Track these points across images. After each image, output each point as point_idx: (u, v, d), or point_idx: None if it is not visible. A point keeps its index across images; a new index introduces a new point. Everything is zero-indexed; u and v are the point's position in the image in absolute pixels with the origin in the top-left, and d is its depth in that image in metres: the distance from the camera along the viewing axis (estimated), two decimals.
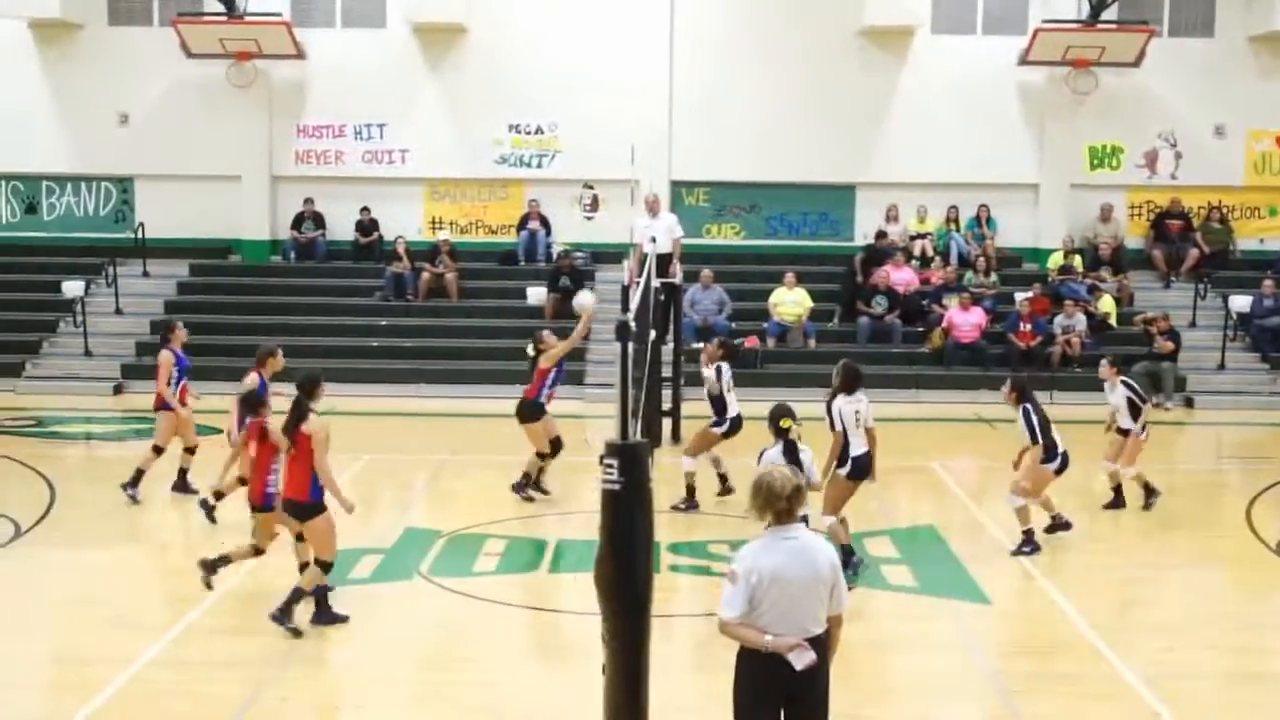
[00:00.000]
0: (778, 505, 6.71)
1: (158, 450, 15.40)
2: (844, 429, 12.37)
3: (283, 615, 10.62)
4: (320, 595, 11.07)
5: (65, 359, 24.83)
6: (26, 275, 26.92)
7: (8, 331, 25.35)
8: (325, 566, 10.95)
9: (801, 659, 6.58)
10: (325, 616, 11.01)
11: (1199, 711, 9.50)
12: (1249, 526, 14.62)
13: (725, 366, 15.21)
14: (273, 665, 10.07)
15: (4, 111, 27.18)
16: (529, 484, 15.36)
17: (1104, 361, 15.80)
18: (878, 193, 27.33)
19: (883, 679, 10.26)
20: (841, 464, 12.46)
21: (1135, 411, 15.19)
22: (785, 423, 11.26)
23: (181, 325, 16.07)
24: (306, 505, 10.87)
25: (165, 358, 15.52)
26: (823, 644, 6.77)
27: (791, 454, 11.05)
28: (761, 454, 11.24)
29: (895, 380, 23.74)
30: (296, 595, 10.75)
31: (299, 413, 10.87)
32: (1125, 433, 15.34)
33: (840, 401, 12.46)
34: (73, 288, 25.79)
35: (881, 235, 26.42)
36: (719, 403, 15.13)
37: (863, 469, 12.54)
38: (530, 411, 15.30)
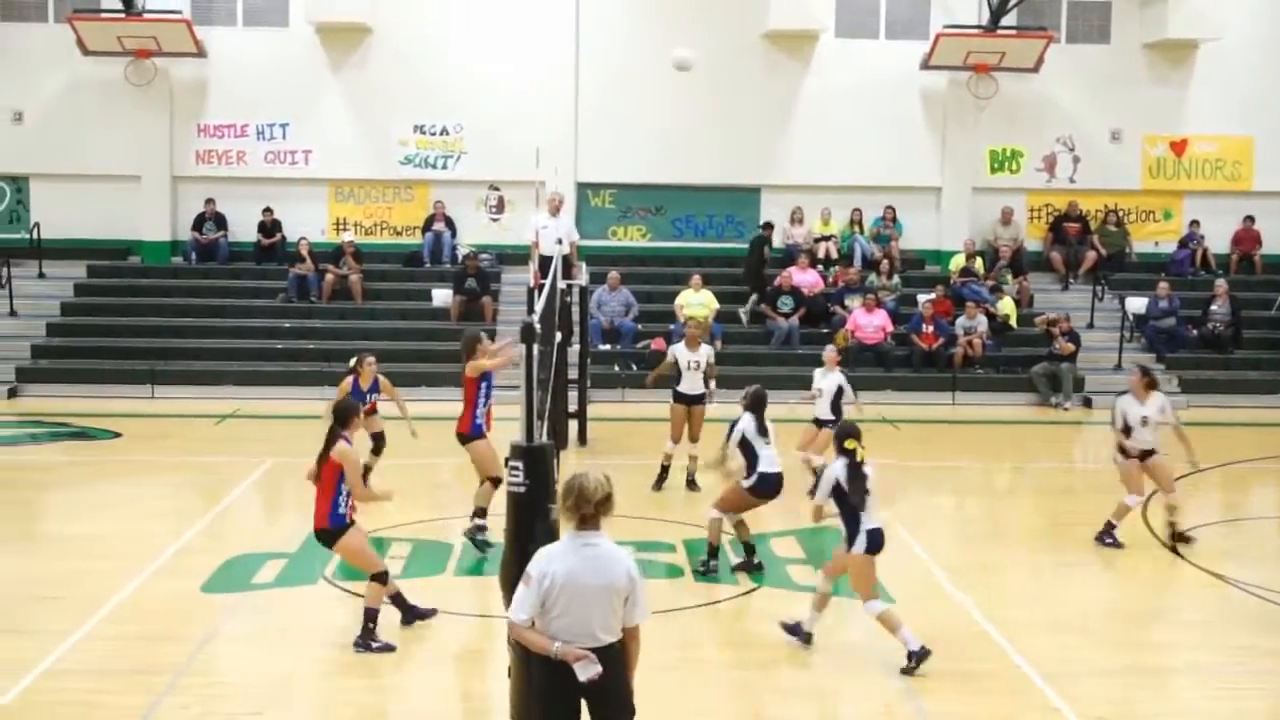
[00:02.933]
0: (584, 509, 6.64)
1: None
2: (751, 445, 12.52)
3: (365, 639, 10.49)
4: (397, 601, 10.99)
5: None
6: None
7: None
8: (381, 579, 10.75)
9: (586, 670, 6.53)
10: (412, 614, 11.06)
11: (1097, 707, 9.66)
12: (1144, 523, 14.88)
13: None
14: (172, 673, 9.92)
15: None
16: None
17: (1134, 370, 14.93)
18: (782, 195, 27.52)
19: (787, 678, 10.32)
20: (749, 475, 12.54)
21: None
22: (850, 444, 10.60)
23: None
24: (330, 531, 10.66)
25: None
26: (615, 653, 6.69)
27: (856, 474, 10.48)
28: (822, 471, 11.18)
29: (798, 382, 23.87)
30: (369, 615, 10.58)
31: (332, 440, 10.62)
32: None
33: (745, 421, 12.64)
34: None
35: (768, 226, 26.52)
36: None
37: (771, 487, 12.67)
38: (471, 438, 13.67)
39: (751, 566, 12.89)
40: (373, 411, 16.07)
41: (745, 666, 10.43)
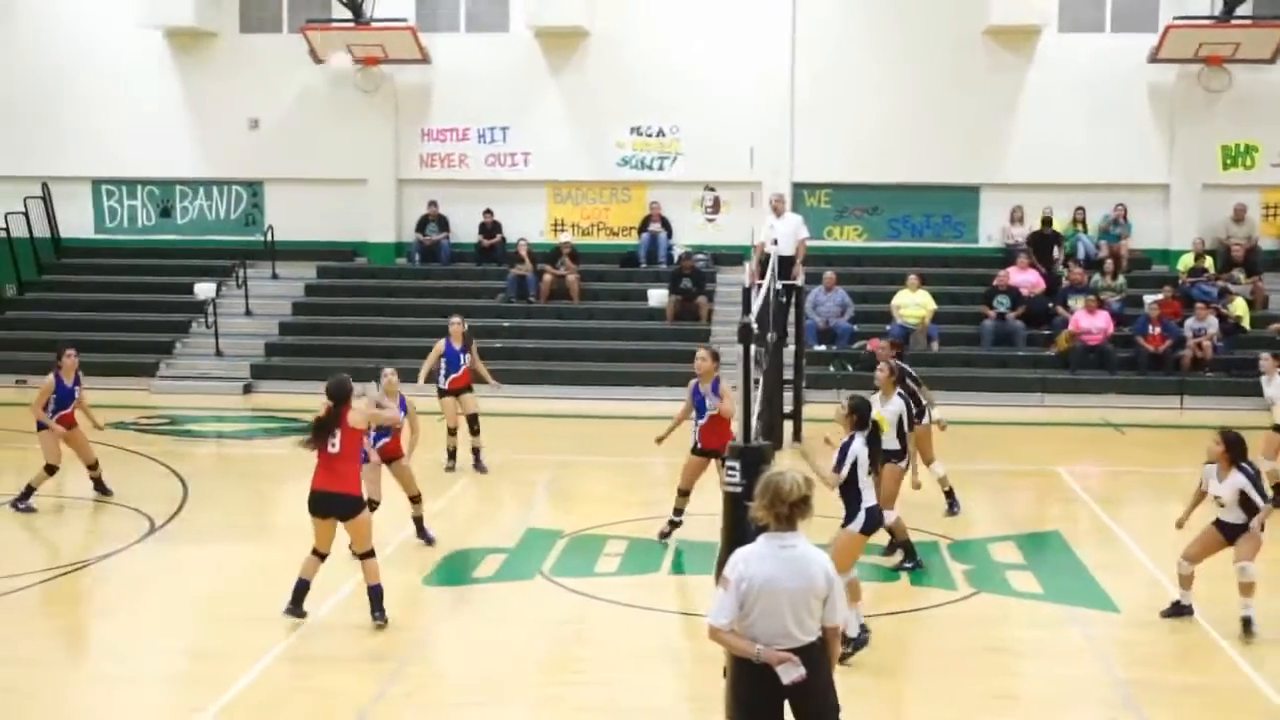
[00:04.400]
0: (779, 509, 6.55)
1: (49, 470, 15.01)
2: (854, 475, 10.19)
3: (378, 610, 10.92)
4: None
5: (197, 359, 25.42)
6: (161, 277, 27.59)
7: (142, 332, 26.03)
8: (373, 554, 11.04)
9: (789, 673, 6.46)
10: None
11: None
12: None
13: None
14: (397, 661, 10.21)
15: (142, 118, 27.89)
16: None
17: (1265, 355, 15.29)
18: (1002, 194, 26.94)
19: (1006, 685, 10.11)
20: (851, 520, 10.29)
21: None
22: (877, 415, 10.38)
23: (72, 352, 15.30)
24: (359, 500, 10.95)
25: (47, 385, 15.11)
26: (817, 653, 6.61)
27: (876, 450, 10.22)
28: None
29: (1019, 384, 23.45)
30: (378, 592, 10.95)
31: (340, 415, 10.84)
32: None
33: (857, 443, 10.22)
34: (204, 289, 26.40)
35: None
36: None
37: (876, 522, 10.60)
38: None
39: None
40: (466, 387, 17.11)
41: (952, 672, 10.23)
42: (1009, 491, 15.58)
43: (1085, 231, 26.48)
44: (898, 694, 9.86)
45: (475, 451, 17.05)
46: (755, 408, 10.62)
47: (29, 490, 14.80)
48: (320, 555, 10.97)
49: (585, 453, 18.72)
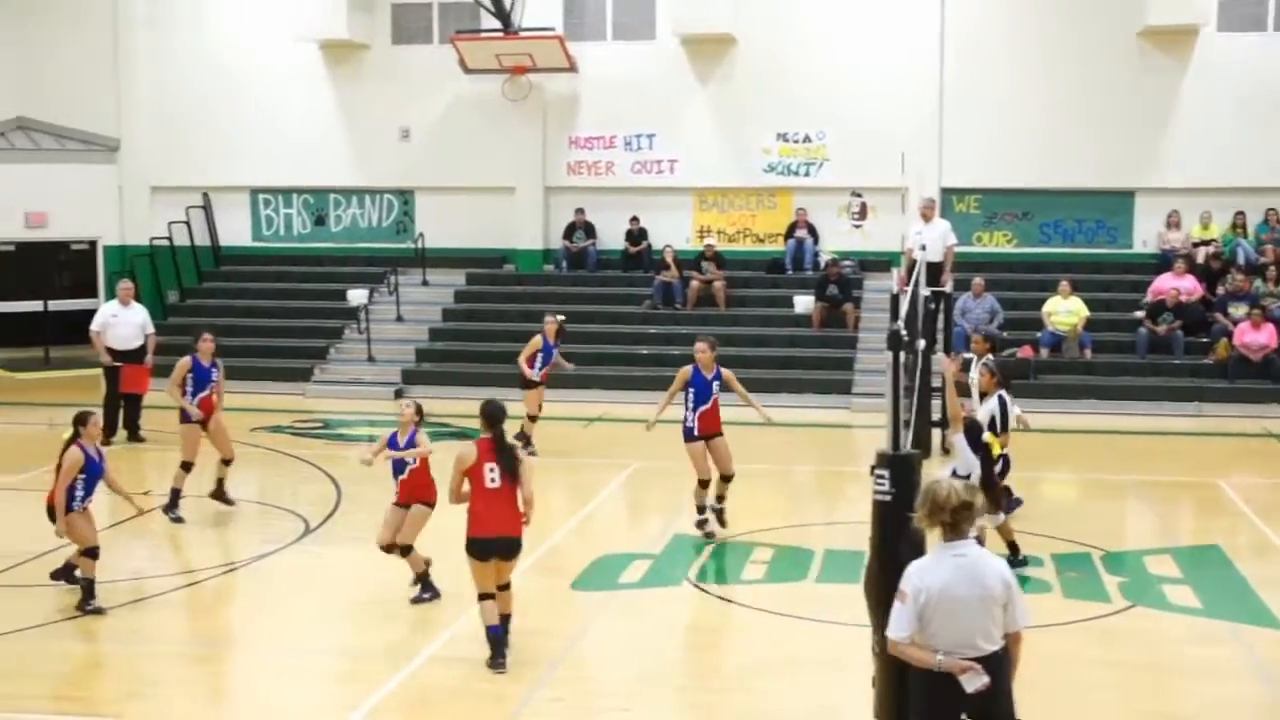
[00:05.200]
0: (941, 518, 6.53)
1: (185, 467, 14.98)
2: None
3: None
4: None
5: (350, 364, 25.92)
6: (315, 284, 28.22)
7: (298, 338, 26.64)
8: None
9: (972, 682, 6.41)
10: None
11: None
12: None
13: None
14: (546, 666, 10.29)
15: (298, 129, 28.57)
16: None
17: None
18: (1158, 198, 26.28)
19: (1166, 704, 9.86)
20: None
21: None
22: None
23: (209, 335, 15.54)
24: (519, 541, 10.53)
25: (184, 363, 15.23)
26: (999, 661, 6.55)
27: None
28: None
29: (1176, 393, 22.85)
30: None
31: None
32: None
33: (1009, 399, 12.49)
34: (357, 296, 26.91)
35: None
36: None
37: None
38: None
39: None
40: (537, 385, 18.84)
41: (1109, 689, 10.01)
42: (1166, 503, 15.21)
43: (1245, 236, 25.74)
44: (1053, 710, 9.67)
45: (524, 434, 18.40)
46: (905, 415, 10.51)
47: (175, 495, 14.78)
48: (490, 595, 10.33)
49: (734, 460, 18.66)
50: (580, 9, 27.79)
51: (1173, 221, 26.01)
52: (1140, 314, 24.33)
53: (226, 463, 15.28)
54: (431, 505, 11.82)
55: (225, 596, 12.47)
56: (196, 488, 15.20)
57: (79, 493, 11.47)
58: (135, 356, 19.90)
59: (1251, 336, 23.30)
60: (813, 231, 27.02)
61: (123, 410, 19.79)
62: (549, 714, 9.51)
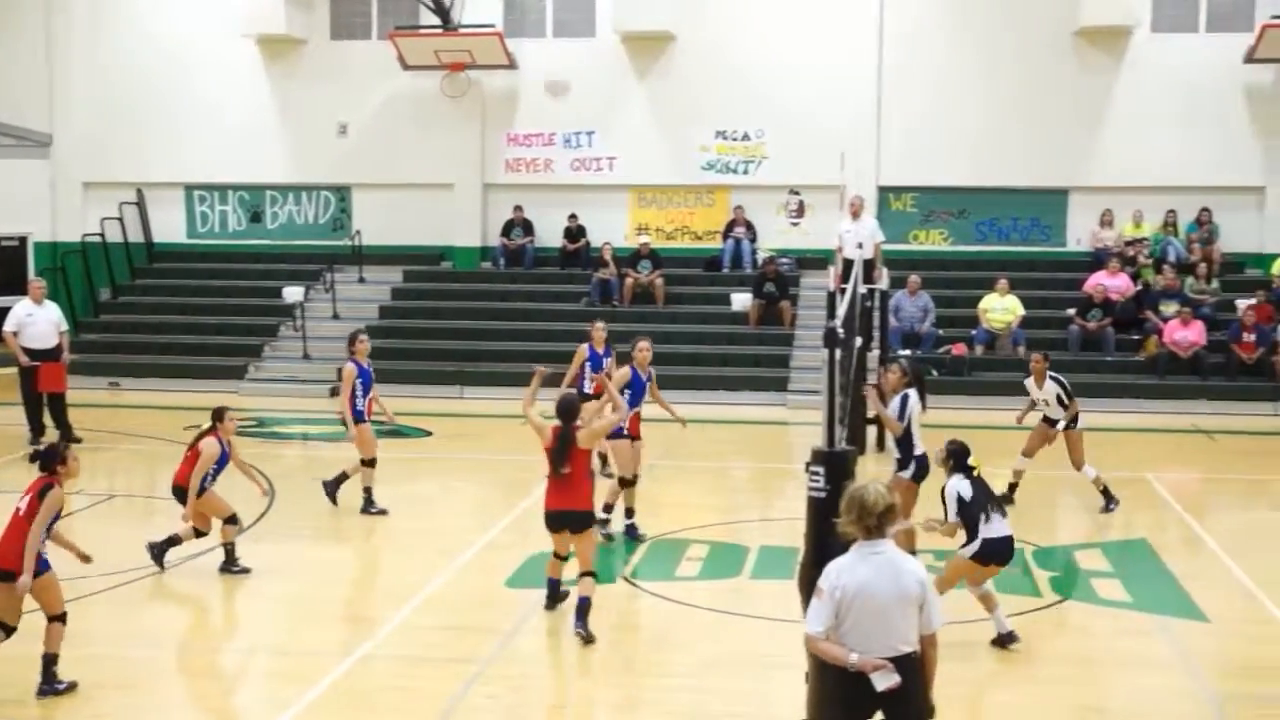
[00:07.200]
0: (868, 521, 6.61)
1: (368, 464, 15.20)
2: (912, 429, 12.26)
3: (580, 622, 10.81)
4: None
5: (285, 362, 25.75)
6: (250, 281, 28.03)
7: (233, 335, 26.43)
8: (594, 575, 10.98)
9: (883, 680, 6.47)
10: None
11: None
12: None
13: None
14: (480, 663, 10.28)
15: (234, 125, 28.35)
16: None
17: (1035, 355, 15.90)
18: (1091, 196, 26.61)
19: (1093, 696, 9.98)
20: (904, 466, 12.33)
21: None
22: (973, 462, 10.61)
23: (364, 337, 15.59)
24: (590, 515, 11.15)
25: (349, 371, 15.12)
26: (914, 662, 6.62)
27: (982, 491, 10.59)
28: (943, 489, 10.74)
29: (1108, 389, 23.11)
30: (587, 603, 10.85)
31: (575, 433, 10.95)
32: None
33: (914, 398, 12.40)
34: (293, 293, 26.73)
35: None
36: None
37: (927, 471, 12.18)
38: None
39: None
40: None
41: (1039, 682, 10.12)
42: (1096, 498, 15.36)
43: (1176, 235, 26.08)
44: (984, 704, 9.77)
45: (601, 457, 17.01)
46: (840, 413, 10.58)
47: (368, 494, 15.05)
48: (561, 557, 11.28)
49: (668, 457, 18.69)
50: (520, 6, 27.76)
51: (1105, 220, 26.32)
52: (1071, 311, 24.61)
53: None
54: None
55: (157, 596, 12.34)
56: (127, 486, 15.07)
57: (208, 481, 12.63)
58: (51, 355, 19.52)
59: (1181, 334, 23.63)
60: (750, 229, 27.11)
61: (48, 410, 19.46)
62: (484, 711, 9.49)
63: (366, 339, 15.55)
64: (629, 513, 14.02)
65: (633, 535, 13.93)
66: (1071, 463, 15.40)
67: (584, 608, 10.75)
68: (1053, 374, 15.49)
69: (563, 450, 10.85)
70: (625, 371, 13.97)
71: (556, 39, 27.74)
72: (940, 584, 10.40)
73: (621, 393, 13.21)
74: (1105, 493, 15.32)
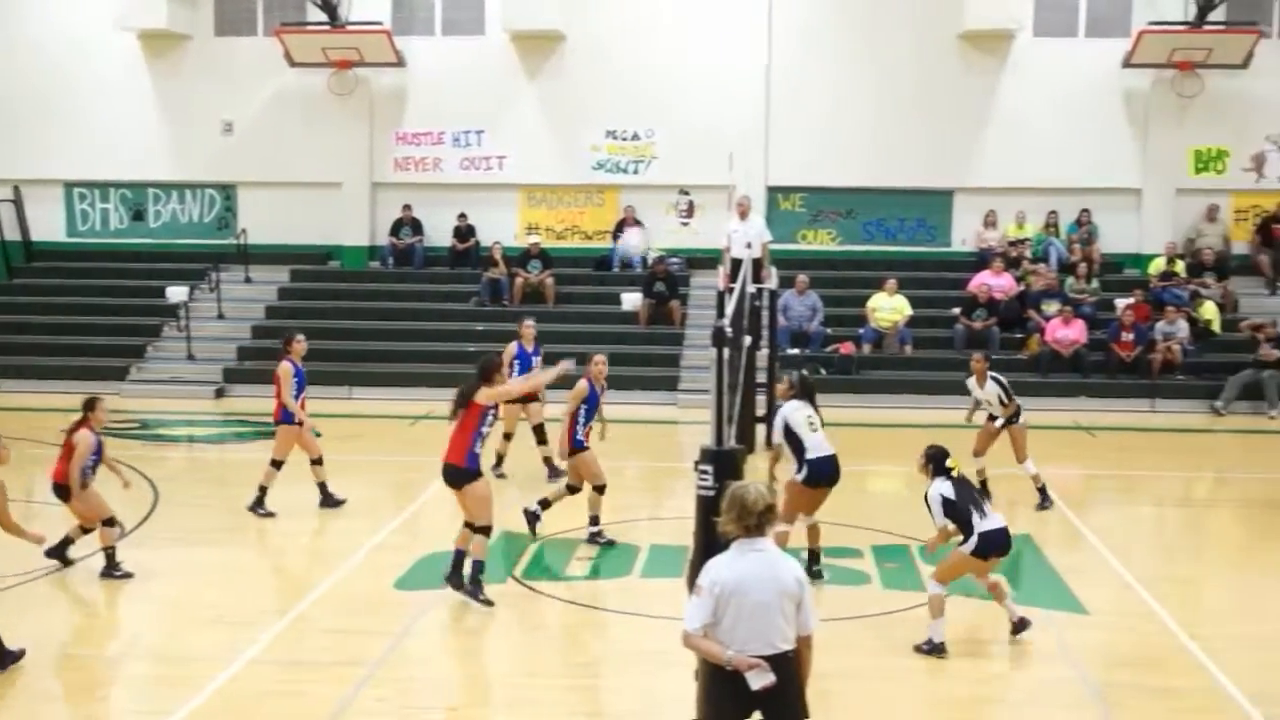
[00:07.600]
0: (748, 520, 6.66)
1: (276, 465, 15.07)
2: (797, 434, 12.25)
3: (474, 588, 11.47)
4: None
5: (169, 363, 25.30)
6: (133, 280, 27.48)
7: (114, 335, 25.89)
8: (485, 531, 11.62)
9: (758, 679, 6.51)
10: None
11: None
12: None
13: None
14: (369, 666, 10.18)
15: (114, 121, 27.80)
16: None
17: (975, 355, 16.70)
18: (976, 197, 27.04)
19: (977, 689, 10.15)
20: (798, 470, 12.30)
21: None
22: (951, 463, 10.82)
23: (301, 337, 15.56)
24: (463, 471, 11.59)
25: (285, 369, 15.04)
26: (790, 662, 6.67)
27: (966, 490, 10.79)
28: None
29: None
30: (477, 566, 11.49)
31: (474, 389, 11.54)
32: None
33: (789, 408, 12.44)
34: (177, 293, 26.27)
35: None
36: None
37: (822, 474, 12.31)
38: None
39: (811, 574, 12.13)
40: (535, 399, 16.89)
41: (924, 675, 10.26)
42: (1019, 495, 15.67)
43: (1058, 236, 26.59)
44: (869, 698, 9.87)
45: (547, 461, 16.99)
46: (729, 411, 10.64)
47: (262, 494, 14.94)
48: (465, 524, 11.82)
49: (560, 456, 18.68)
50: (409, 3, 27.55)
51: (989, 221, 26.76)
52: (956, 310, 24.98)
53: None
54: None
55: (34, 603, 12.07)
56: (27, 494, 14.66)
57: (89, 475, 12.51)
58: None
59: (1062, 332, 24.10)
60: (640, 228, 27.14)
61: None
62: (373, 713, 9.41)
63: (304, 339, 15.58)
64: (594, 520, 13.99)
65: (595, 540, 13.95)
66: (1015, 458, 15.90)
67: (470, 568, 11.38)
68: (993, 374, 16.05)
69: (459, 399, 11.53)
70: (582, 385, 14.00)
71: (446, 37, 27.57)
72: (940, 572, 10.74)
73: (579, 407, 13.84)
74: (1042, 491, 15.74)
